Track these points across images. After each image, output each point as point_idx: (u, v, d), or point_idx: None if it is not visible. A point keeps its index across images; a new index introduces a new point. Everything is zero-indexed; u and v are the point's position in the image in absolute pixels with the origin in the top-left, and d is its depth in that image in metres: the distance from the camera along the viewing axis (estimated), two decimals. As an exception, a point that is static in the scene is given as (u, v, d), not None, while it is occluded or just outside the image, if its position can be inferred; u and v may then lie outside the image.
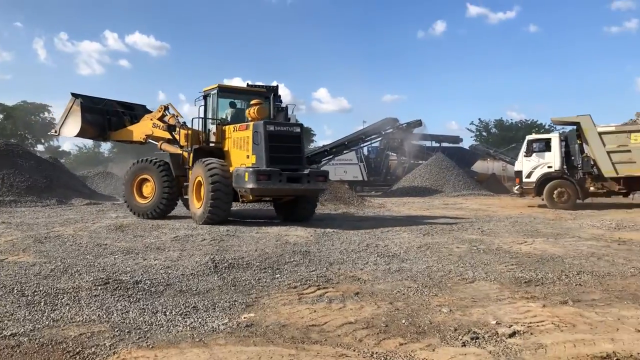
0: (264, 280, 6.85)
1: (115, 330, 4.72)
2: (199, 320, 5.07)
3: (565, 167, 19.40)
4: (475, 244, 9.84)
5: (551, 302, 5.76)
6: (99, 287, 6.24)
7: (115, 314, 5.21)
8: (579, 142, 19.79)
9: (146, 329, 4.77)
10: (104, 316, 5.15)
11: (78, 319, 5.04)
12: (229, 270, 7.35)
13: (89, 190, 26.44)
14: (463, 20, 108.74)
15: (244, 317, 5.18)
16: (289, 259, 8.23)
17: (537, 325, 4.88)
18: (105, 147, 63.91)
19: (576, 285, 6.63)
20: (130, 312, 5.29)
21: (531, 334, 4.66)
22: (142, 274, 7.01)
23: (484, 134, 62.22)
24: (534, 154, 19.68)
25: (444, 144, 42.70)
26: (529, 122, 59.75)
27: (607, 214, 16.14)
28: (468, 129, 64.37)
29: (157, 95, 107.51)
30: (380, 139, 35.95)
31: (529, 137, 20.74)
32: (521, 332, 4.70)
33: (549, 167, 19.31)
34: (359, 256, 8.58)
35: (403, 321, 5.06)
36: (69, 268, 7.34)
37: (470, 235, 11.19)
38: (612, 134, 18.46)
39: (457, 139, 45.33)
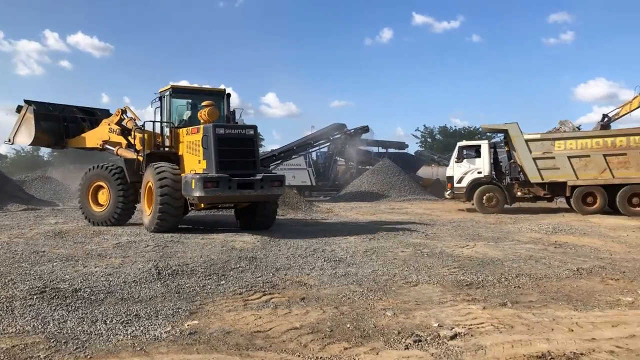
0: (209, 286, 6.76)
1: (51, 340, 4.55)
2: (141, 328, 4.95)
3: (494, 172, 20.23)
4: (420, 247, 10.03)
5: (491, 304, 5.93)
6: (35, 296, 5.99)
7: (51, 324, 5.02)
8: (506, 149, 20.66)
9: (84, 339, 4.62)
10: (39, 326, 4.95)
11: (11, 330, 4.83)
12: (173, 277, 7.21)
13: (26, 195, 25.35)
14: (409, 29, 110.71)
15: (188, 325, 5.10)
16: (235, 265, 8.15)
17: (478, 327, 5.02)
18: (45, 150, 61.43)
19: (515, 287, 6.86)
20: (68, 322, 5.10)
21: (472, 335, 4.79)
22: (81, 282, 6.78)
23: (429, 140, 63.68)
24: (464, 160, 20.34)
25: (391, 150, 43.32)
26: (471, 129, 61.44)
27: (544, 218, 16.75)
28: (414, 135, 65.91)
29: (100, 97, 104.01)
30: (328, 144, 36.17)
31: (459, 144, 21.38)
32: (462, 334, 4.82)
33: (478, 172, 20.00)
34: (305, 261, 8.59)
35: (348, 325, 5.10)
36: (2, 277, 7.01)
37: (414, 239, 11.39)
38: (537, 142, 19.28)
39: (402, 145, 46.05)
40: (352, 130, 34.43)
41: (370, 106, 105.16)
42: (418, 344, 4.58)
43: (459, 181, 20.20)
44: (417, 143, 63.29)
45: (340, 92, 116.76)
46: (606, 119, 28.39)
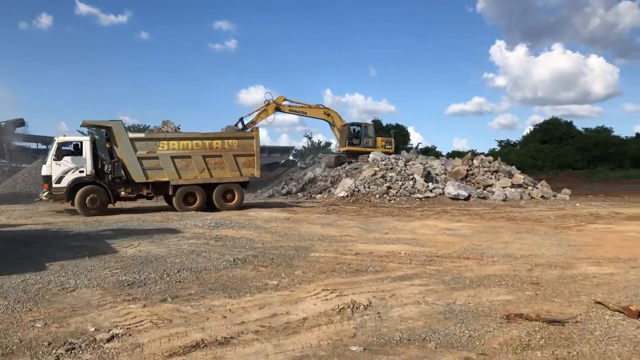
0: None
1: None
2: None
3: (96, 171, 19.20)
4: (81, 250, 9.46)
5: (151, 302, 5.99)
6: None
7: None
8: (108, 146, 19.97)
9: None
10: None
11: None
12: None
13: None
14: (72, 17, 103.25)
15: None
16: None
17: (136, 326, 5.02)
18: None
19: (176, 282, 7.06)
20: None
21: (130, 335, 4.76)
22: None
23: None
24: (64, 158, 18.62)
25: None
26: (141, 127, 60.90)
27: (208, 214, 17.63)
28: (80, 132, 61.74)
29: None
30: (-28, 138, 31.23)
31: (58, 140, 19.19)
32: (120, 335, 4.75)
33: (80, 172, 18.70)
34: None
35: (-14, 345, 4.49)
36: None
37: (76, 242, 10.71)
38: (142, 141, 19.52)
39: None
40: (3, 123, 30.48)
41: (29, 96, 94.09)
42: (71, 353, 4.32)
43: (59, 181, 18.35)
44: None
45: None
46: (240, 124, 29.29)
